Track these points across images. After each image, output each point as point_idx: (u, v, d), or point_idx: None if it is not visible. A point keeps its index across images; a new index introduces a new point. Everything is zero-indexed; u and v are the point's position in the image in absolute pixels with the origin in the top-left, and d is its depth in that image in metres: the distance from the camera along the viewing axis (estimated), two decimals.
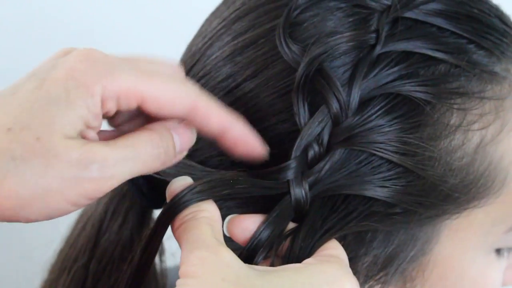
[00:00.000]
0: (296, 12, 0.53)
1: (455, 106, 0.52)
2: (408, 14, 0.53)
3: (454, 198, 0.53)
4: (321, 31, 0.53)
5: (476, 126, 0.53)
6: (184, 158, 0.51)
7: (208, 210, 0.48)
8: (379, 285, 0.54)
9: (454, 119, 0.52)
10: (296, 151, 0.50)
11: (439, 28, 0.54)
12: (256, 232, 0.49)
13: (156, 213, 0.58)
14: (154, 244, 0.50)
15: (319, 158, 0.51)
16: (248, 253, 0.49)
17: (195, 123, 0.49)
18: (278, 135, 0.53)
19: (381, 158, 0.51)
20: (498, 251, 0.57)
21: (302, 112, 0.51)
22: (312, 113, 0.51)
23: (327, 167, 0.51)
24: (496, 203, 0.54)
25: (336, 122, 0.51)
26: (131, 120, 0.51)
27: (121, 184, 0.46)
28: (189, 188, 0.48)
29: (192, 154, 0.55)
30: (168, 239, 0.52)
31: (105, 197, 0.64)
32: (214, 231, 0.47)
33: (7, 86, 0.47)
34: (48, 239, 0.66)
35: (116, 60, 0.46)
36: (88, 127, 0.45)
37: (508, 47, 0.55)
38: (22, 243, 0.75)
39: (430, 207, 0.52)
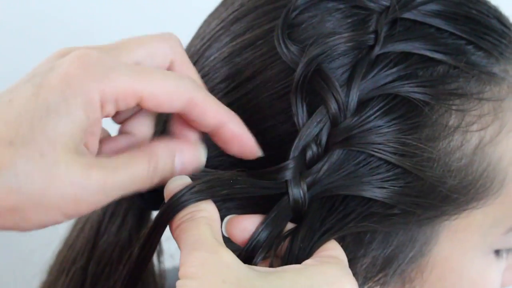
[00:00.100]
0: (294, 13, 0.53)
1: (454, 107, 0.52)
2: (407, 15, 0.53)
3: (453, 199, 0.53)
4: (320, 32, 0.53)
5: (474, 127, 0.53)
6: None
7: (206, 210, 0.48)
8: (378, 286, 0.54)
9: (453, 120, 0.52)
10: (294, 152, 0.50)
11: (438, 29, 0.54)
12: (254, 232, 0.49)
13: (155, 214, 0.58)
14: (152, 244, 0.49)
15: (317, 158, 0.51)
16: (247, 253, 0.49)
17: (192, 117, 0.49)
18: (277, 136, 0.53)
19: (380, 159, 0.51)
20: (497, 252, 0.57)
21: (300, 113, 0.51)
22: (310, 114, 0.51)
23: (325, 167, 0.51)
24: (495, 204, 0.54)
25: (334, 122, 0.51)
26: (134, 115, 0.51)
27: None
28: (188, 188, 0.48)
29: None
30: (167, 240, 0.52)
31: None
32: (213, 231, 0.46)
33: (5, 87, 0.47)
34: (47, 241, 0.66)
35: (111, 61, 0.46)
36: (89, 133, 0.46)
37: (506, 48, 0.55)
38: (21, 244, 0.74)
39: (428, 208, 0.52)
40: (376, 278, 0.54)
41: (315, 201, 0.51)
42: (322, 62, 0.51)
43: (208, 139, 0.52)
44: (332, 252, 0.49)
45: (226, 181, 0.49)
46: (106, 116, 0.48)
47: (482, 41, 0.54)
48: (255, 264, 0.49)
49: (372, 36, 0.52)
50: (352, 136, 0.50)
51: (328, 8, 0.54)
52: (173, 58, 0.49)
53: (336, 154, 0.51)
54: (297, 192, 0.50)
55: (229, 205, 0.54)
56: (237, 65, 0.55)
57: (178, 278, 0.45)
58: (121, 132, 0.52)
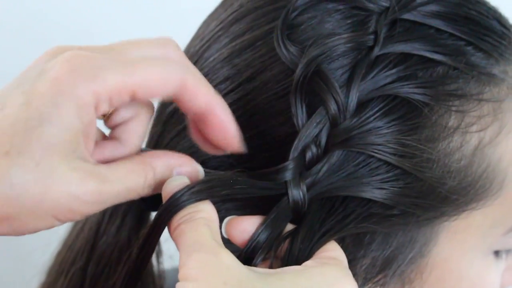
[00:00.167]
0: (294, 14, 0.53)
1: (453, 108, 0.52)
2: (406, 16, 0.53)
3: (453, 200, 0.53)
4: (319, 33, 0.53)
5: (474, 128, 0.53)
6: None
7: (205, 211, 0.48)
8: (378, 287, 0.54)
9: (452, 121, 0.52)
10: (294, 152, 0.50)
11: (437, 30, 0.54)
12: (254, 233, 0.49)
13: (153, 215, 0.58)
14: (151, 245, 0.49)
15: (317, 159, 0.51)
16: (247, 255, 0.49)
17: (183, 99, 0.48)
18: (276, 136, 0.53)
19: (379, 160, 0.51)
20: (496, 253, 0.57)
21: (300, 114, 0.51)
22: (310, 115, 0.51)
23: (325, 168, 0.51)
24: (495, 205, 0.54)
25: (334, 123, 0.51)
26: (127, 121, 0.51)
27: None
28: (186, 188, 0.48)
29: (191, 155, 0.55)
30: (166, 241, 0.52)
31: None
32: (212, 232, 0.46)
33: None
34: (46, 242, 0.66)
35: (99, 59, 0.46)
36: (85, 135, 0.45)
37: (506, 49, 0.55)
38: (20, 245, 0.75)
39: (428, 209, 0.52)
40: (376, 279, 0.54)
41: (315, 202, 0.51)
42: (322, 63, 0.51)
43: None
44: (332, 253, 0.49)
45: (226, 181, 0.49)
46: (102, 114, 0.48)
47: (482, 42, 0.54)
48: (255, 265, 0.48)
49: (372, 37, 0.52)
50: (351, 137, 0.50)
51: (328, 9, 0.54)
52: (183, 79, 0.48)
53: (336, 155, 0.51)
54: (296, 193, 0.50)
55: (228, 206, 0.54)
56: (237, 66, 0.55)
57: (177, 279, 0.45)
58: (111, 138, 0.51)
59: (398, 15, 0.53)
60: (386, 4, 0.53)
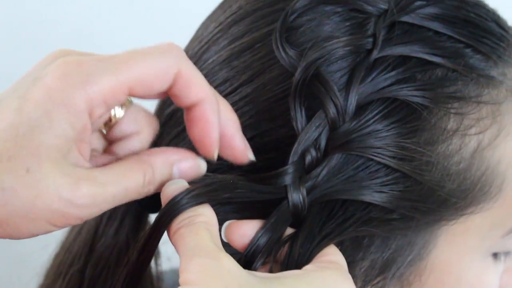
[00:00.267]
0: (293, 17, 0.53)
1: (452, 111, 0.52)
2: (405, 19, 0.53)
3: (452, 203, 0.53)
4: (318, 35, 0.53)
5: (473, 130, 0.53)
6: None
7: (205, 215, 0.47)
8: None
9: (451, 124, 0.52)
10: (293, 156, 0.50)
11: (436, 32, 0.54)
12: (254, 237, 0.49)
13: (152, 217, 0.58)
14: (150, 249, 0.49)
15: (316, 163, 0.51)
16: (247, 259, 0.49)
17: (175, 90, 0.48)
18: (275, 140, 0.53)
19: (379, 163, 0.51)
20: (495, 255, 0.57)
21: (299, 117, 0.51)
22: (309, 118, 0.51)
23: (324, 172, 0.50)
24: (494, 208, 0.54)
25: (333, 127, 0.51)
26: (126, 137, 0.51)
27: None
28: (186, 192, 0.48)
29: None
30: (164, 244, 0.52)
31: None
32: (212, 236, 0.46)
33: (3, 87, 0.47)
34: (44, 244, 0.66)
35: (91, 63, 0.46)
36: (79, 140, 0.45)
37: (505, 51, 0.55)
38: (18, 247, 0.74)
39: (427, 212, 0.52)
40: (375, 282, 0.54)
41: (315, 205, 0.51)
42: (321, 66, 0.51)
43: None
44: (332, 257, 0.48)
45: (225, 185, 0.49)
46: (99, 118, 0.47)
47: (481, 44, 0.54)
48: (255, 270, 0.48)
49: (370, 39, 0.52)
50: (351, 140, 0.50)
51: (326, 11, 0.54)
52: (178, 68, 0.48)
53: (335, 159, 0.51)
54: (296, 197, 0.50)
55: (226, 209, 0.54)
56: (235, 68, 0.55)
57: (175, 280, 0.44)
58: (109, 152, 0.51)
59: (396, 17, 0.53)
60: (384, 6, 0.53)
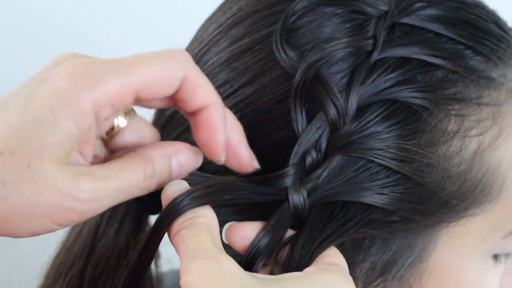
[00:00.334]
0: (293, 18, 0.53)
1: (453, 112, 0.52)
2: (405, 20, 0.53)
3: (452, 205, 0.53)
4: (318, 37, 0.53)
5: (473, 132, 0.53)
6: None
7: (206, 216, 0.47)
8: None
9: (452, 125, 0.52)
10: (294, 158, 0.50)
11: (436, 34, 0.54)
12: (255, 239, 0.49)
13: (152, 218, 0.58)
14: (151, 250, 0.49)
15: (317, 164, 0.51)
16: (247, 260, 0.49)
17: (181, 94, 0.48)
18: (275, 141, 0.53)
19: (379, 165, 0.51)
20: (495, 256, 0.57)
21: (299, 119, 0.51)
22: (309, 120, 0.51)
23: (325, 173, 0.50)
24: (494, 210, 0.54)
25: (334, 128, 0.51)
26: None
27: None
28: (187, 193, 0.48)
29: None
30: (164, 245, 0.52)
31: None
32: (213, 238, 0.46)
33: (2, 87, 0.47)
34: (44, 245, 0.66)
35: (99, 66, 0.46)
36: (83, 141, 0.45)
37: (505, 52, 0.55)
38: (18, 248, 0.74)
39: (428, 214, 0.52)
40: (376, 283, 0.54)
41: (315, 207, 0.51)
42: (321, 68, 0.51)
43: None
44: (333, 259, 0.49)
45: (226, 186, 0.49)
46: (106, 120, 0.47)
47: (481, 45, 0.54)
48: (255, 271, 0.48)
49: (371, 41, 0.52)
50: (351, 142, 0.50)
51: (326, 13, 0.54)
52: (185, 73, 0.48)
53: (336, 160, 0.51)
54: (297, 198, 0.50)
55: (226, 210, 0.54)
56: (236, 70, 0.55)
57: (175, 282, 0.44)
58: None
59: (397, 19, 0.53)
60: (385, 8, 0.53)
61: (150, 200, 0.61)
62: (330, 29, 0.53)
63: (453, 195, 0.52)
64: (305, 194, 0.50)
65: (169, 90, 0.47)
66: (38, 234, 0.46)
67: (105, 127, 0.49)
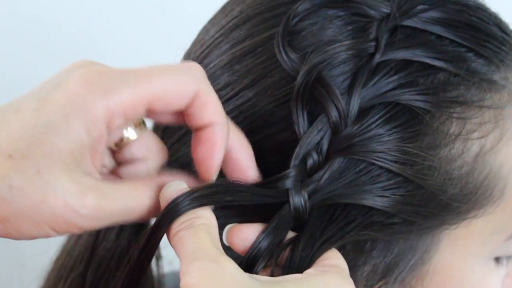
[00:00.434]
0: (294, 20, 0.53)
1: (455, 115, 0.52)
2: (407, 23, 0.53)
3: (454, 207, 0.53)
4: (320, 39, 0.53)
5: (475, 135, 0.53)
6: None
7: (205, 217, 0.47)
8: None
9: (454, 128, 0.52)
10: (295, 160, 0.50)
11: (438, 36, 0.54)
12: (255, 241, 0.49)
13: (153, 221, 0.58)
14: (150, 251, 0.49)
15: (318, 167, 0.51)
16: (248, 262, 0.49)
17: (190, 109, 0.48)
18: (277, 144, 0.53)
19: (381, 167, 0.51)
20: (497, 259, 0.57)
21: (301, 121, 0.51)
22: (311, 122, 0.51)
23: (326, 176, 0.50)
24: (496, 212, 0.54)
25: (335, 130, 0.51)
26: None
27: None
28: (188, 194, 0.48)
29: (190, 163, 0.55)
30: (165, 247, 0.52)
31: None
32: (213, 239, 0.46)
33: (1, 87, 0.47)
34: (45, 247, 0.66)
35: (114, 74, 0.46)
36: (93, 149, 0.45)
37: (507, 55, 0.55)
38: (19, 250, 0.74)
39: (429, 217, 0.52)
40: (377, 286, 0.53)
41: (316, 209, 0.51)
42: (323, 70, 0.51)
43: None
44: (334, 261, 0.48)
45: (227, 188, 0.49)
46: (118, 129, 0.48)
47: (483, 48, 0.54)
48: (256, 273, 0.48)
49: (373, 43, 0.52)
50: (353, 144, 0.50)
51: (329, 15, 0.54)
52: (197, 88, 0.48)
53: (337, 163, 0.51)
54: (298, 200, 0.50)
55: (227, 212, 0.54)
56: (237, 72, 0.55)
57: (176, 283, 0.44)
58: (116, 174, 0.51)
59: (399, 21, 0.53)
60: (387, 10, 0.53)
61: None
62: (332, 31, 0.53)
63: (455, 198, 0.52)
64: (306, 196, 0.50)
65: (181, 103, 0.48)
66: (36, 238, 0.46)
67: (115, 137, 0.49)
